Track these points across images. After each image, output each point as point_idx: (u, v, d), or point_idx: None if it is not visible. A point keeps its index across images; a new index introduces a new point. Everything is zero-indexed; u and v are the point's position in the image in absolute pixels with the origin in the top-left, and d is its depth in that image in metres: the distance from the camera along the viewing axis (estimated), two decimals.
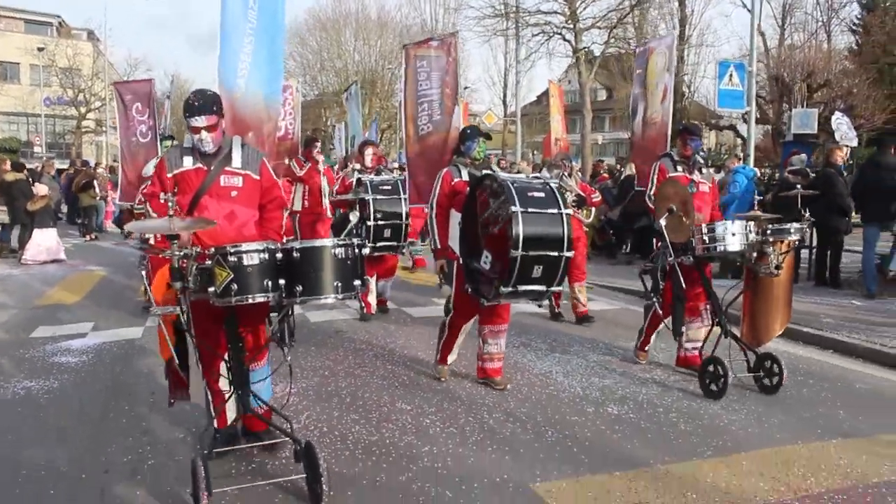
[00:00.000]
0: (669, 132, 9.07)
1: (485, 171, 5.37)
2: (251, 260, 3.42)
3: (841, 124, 18.33)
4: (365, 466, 4.03)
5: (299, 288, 3.44)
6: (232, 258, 3.40)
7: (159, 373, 5.82)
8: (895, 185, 9.11)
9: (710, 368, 5.38)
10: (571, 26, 22.70)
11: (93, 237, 17.00)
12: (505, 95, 35.15)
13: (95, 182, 17.54)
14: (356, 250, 3.62)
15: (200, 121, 3.97)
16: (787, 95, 30.20)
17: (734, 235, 5.42)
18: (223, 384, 4.06)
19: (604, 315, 8.24)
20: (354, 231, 7.36)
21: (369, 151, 8.58)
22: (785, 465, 4.09)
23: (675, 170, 5.99)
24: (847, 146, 17.05)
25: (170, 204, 3.57)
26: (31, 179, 13.70)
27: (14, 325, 7.74)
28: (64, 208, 20.27)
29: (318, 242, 3.62)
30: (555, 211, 4.81)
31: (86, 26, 46.03)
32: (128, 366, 6.19)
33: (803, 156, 11.82)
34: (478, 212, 5.19)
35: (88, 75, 40.44)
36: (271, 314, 4.00)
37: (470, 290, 5.20)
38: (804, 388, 5.60)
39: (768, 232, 5.51)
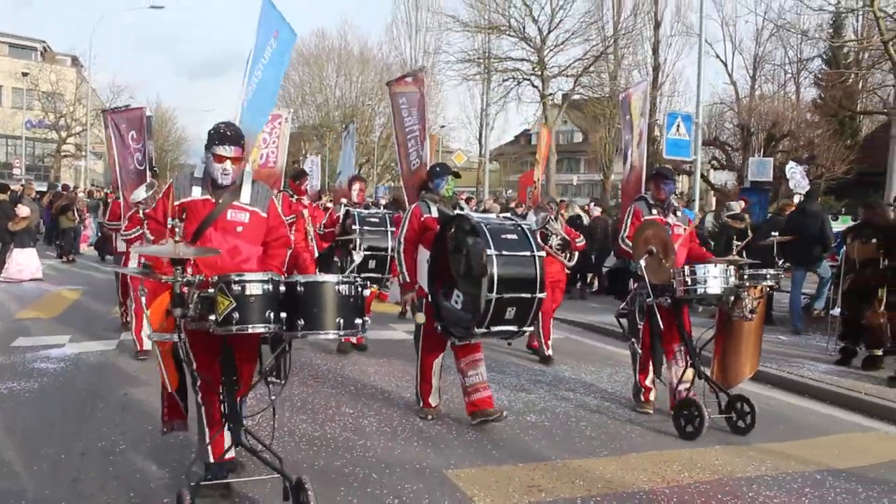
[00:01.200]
0: (644, 176, 9.29)
1: (457, 212, 5.56)
2: (255, 290, 3.43)
3: (795, 173, 19.34)
4: (307, 455, 4.73)
5: (301, 322, 3.44)
6: (236, 287, 3.41)
7: (132, 379, 6.55)
8: (818, 232, 10.04)
9: (686, 411, 5.49)
10: (539, 73, 23.83)
11: (70, 259, 17.58)
12: (481, 135, 36.27)
13: (74, 206, 18.15)
14: (359, 289, 3.62)
15: (229, 151, 3.95)
16: (753, 144, 31.55)
17: (715, 279, 5.50)
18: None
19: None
20: (356, 269, 7.59)
21: (356, 187, 8.76)
22: (666, 463, 4.84)
23: (651, 213, 6.12)
24: (800, 195, 18.13)
25: (176, 230, 3.58)
26: (13, 201, 14.30)
27: None
28: (42, 229, 20.80)
29: (321, 278, 3.62)
30: (528, 253, 4.91)
31: (70, 52, 46.86)
32: (102, 372, 6.85)
33: (740, 202, 12.76)
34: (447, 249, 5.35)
35: (71, 100, 41.10)
36: (269, 348, 3.92)
37: (439, 328, 5.31)
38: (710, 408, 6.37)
39: (745, 277, 5.64)
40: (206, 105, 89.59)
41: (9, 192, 14.43)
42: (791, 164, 21.27)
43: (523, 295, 4.83)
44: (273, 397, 3.81)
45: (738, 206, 11.91)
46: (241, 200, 4.06)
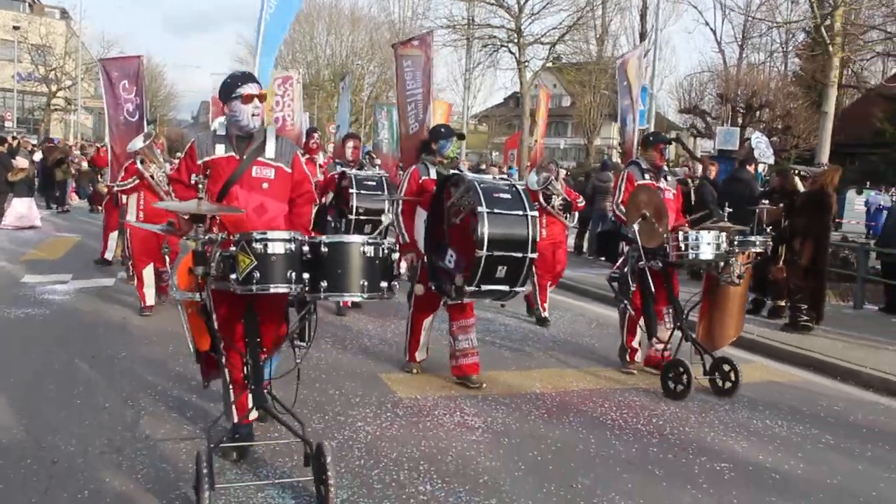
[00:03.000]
0: (636, 140, 9.65)
1: (452, 171, 5.55)
2: (276, 249, 3.38)
3: (760, 143, 20.40)
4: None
5: (324, 283, 3.39)
6: (257, 245, 3.36)
7: (130, 305, 7.75)
8: (749, 195, 11.25)
9: (673, 372, 5.75)
10: (516, 41, 24.83)
11: (65, 209, 18.68)
12: (465, 98, 37.20)
13: (69, 158, 19.20)
14: (386, 251, 3.57)
15: (254, 88, 3.93)
16: (731, 113, 32.62)
17: (708, 245, 5.65)
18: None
19: None
20: (385, 232, 7.47)
21: (350, 144, 8.68)
22: (560, 377, 6.11)
23: (643, 178, 6.27)
24: (764, 163, 19.28)
25: (199, 186, 3.60)
26: (10, 153, 15.37)
27: (5, 275, 9.50)
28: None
29: (347, 238, 3.54)
30: (520, 212, 4.93)
31: (59, 4, 47.27)
32: (103, 301, 8.08)
33: (685, 168, 13.92)
34: (444, 208, 5.38)
35: (60, 54, 41.69)
36: (295, 310, 3.87)
37: (433, 287, 5.42)
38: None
39: (735, 243, 5.80)
40: (195, 61, 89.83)
41: (6, 145, 15.47)
42: (756, 133, 22.43)
43: (514, 254, 4.85)
44: (298, 360, 3.80)
45: (681, 172, 13.07)
46: (266, 156, 4.00)
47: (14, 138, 21.96)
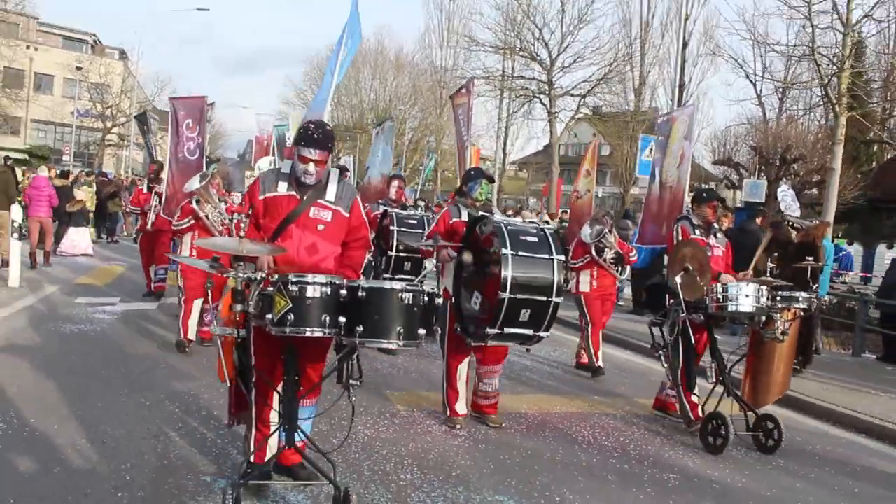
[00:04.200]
0: (686, 196, 9.38)
1: (481, 214, 5.64)
2: (312, 292, 3.42)
3: (786, 196, 20.93)
4: None
5: (360, 328, 3.41)
6: (293, 288, 3.41)
7: (168, 326, 8.68)
8: (755, 246, 11.89)
9: (712, 424, 5.75)
10: (548, 92, 25.90)
11: (114, 240, 20.01)
12: (504, 145, 38.30)
13: (121, 193, 20.56)
14: (426, 299, 3.59)
15: (313, 154, 3.99)
16: (765, 166, 33.05)
17: (747, 297, 5.70)
18: (273, 416, 4.05)
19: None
20: (426, 275, 7.36)
21: (395, 184, 8.92)
22: (548, 401, 6.87)
23: (694, 233, 6.36)
24: (791, 216, 19.79)
25: (242, 224, 3.98)
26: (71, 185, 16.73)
27: (61, 295, 10.58)
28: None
29: (386, 285, 3.56)
30: (546, 256, 4.96)
31: (119, 45, 49.99)
32: (145, 322, 9.06)
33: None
34: (476, 249, 5.48)
35: (117, 92, 44.02)
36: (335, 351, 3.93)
37: (458, 329, 5.48)
38: (623, 384, 8.32)
39: (777, 298, 5.84)
40: (242, 101, 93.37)
41: (70, 178, 16.84)
42: (783, 187, 22.97)
43: (538, 298, 4.86)
44: (353, 398, 3.80)
45: None
46: (326, 199, 4.11)
47: (88, 174, 23.51)
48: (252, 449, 4.10)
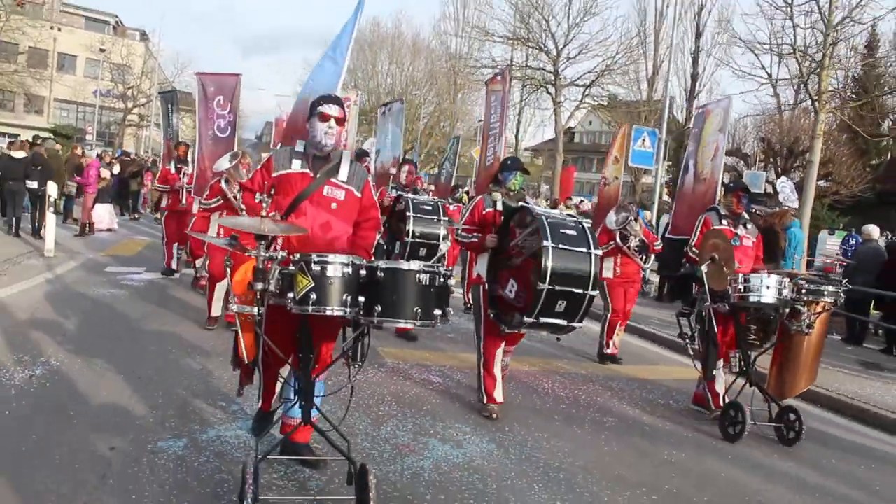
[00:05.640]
0: (719, 187, 9.63)
1: (520, 204, 5.78)
2: (335, 272, 3.49)
3: (784, 187, 21.88)
4: None
5: (378, 308, 3.49)
6: (315, 267, 3.48)
7: (189, 294, 9.78)
8: None
9: (731, 413, 5.95)
10: (554, 82, 26.82)
11: (136, 216, 21.25)
12: (517, 132, 39.15)
13: (143, 171, 21.81)
14: (442, 279, 3.66)
15: (334, 109, 4.16)
16: (774, 157, 33.76)
17: (769, 289, 5.81)
18: (278, 387, 4.39)
19: None
20: (440, 258, 7.40)
21: (406, 169, 8.98)
22: (519, 362, 7.89)
23: (720, 223, 6.52)
24: (789, 207, 20.64)
25: (264, 205, 3.80)
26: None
27: (91, 265, 11.74)
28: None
29: (404, 265, 3.63)
30: (584, 250, 5.08)
31: (140, 26, 51.37)
32: (168, 289, 10.20)
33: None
34: (513, 238, 5.59)
35: (138, 73, 45.35)
36: (347, 331, 4.04)
37: (492, 315, 5.66)
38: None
39: (803, 291, 5.94)
40: (261, 84, 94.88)
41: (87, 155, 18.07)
42: (783, 178, 23.79)
43: (575, 290, 5.01)
44: (354, 377, 3.88)
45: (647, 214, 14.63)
46: (339, 178, 4.22)
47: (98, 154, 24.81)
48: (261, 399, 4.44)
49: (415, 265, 3.61)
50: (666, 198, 20.70)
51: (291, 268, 3.57)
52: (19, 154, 14.93)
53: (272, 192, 4.21)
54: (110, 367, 6.04)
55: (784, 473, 5.36)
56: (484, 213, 5.90)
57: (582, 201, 22.75)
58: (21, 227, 14.01)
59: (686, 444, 5.78)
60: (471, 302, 6.38)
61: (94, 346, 6.67)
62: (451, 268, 3.95)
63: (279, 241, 4.07)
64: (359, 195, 4.30)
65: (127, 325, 7.68)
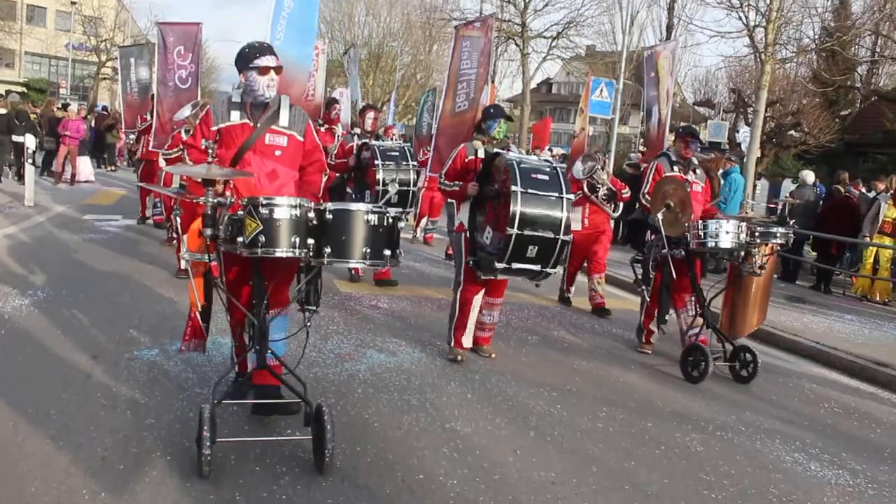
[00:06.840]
0: (667, 132, 9.88)
1: (495, 150, 5.76)
2: (282, 214, 3.52)
3: (747, 137, 22.82)
4: None
5: (328, 249, 3.53)
6: (263, 210, 3.50)
7: (163, 237, 10.59)
8: None
9: (692, 357, 6.13)
10: (521, 34, 27.44)
11: (113, 168, 21.91)
12: (492, 81, 39.52)
13: (118, 125, 22.37)
14: (390, 220, 3.70)
15: (272, 60, 4.14)
16: (744, 108, 34.56)
17: (727, 234, 5.90)
18: (246, 337, 4.31)
19: None
20: (390, 201, 7.21)
21: (370, 115, 8.74)
22: None
23: (672, 169, 6.58)
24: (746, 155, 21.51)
25: (209, 151, 3.77)
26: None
27: (71, 213, 12.52)
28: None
29: (351, 206, 3.68)
30: (556, 195, 5.09)
31: None
32: (145, 234, 11.03)
33: (637, 154, 16.36)
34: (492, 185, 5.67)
35: (110, 26, 45.23)
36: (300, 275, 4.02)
37: (471, 263, 5.72)
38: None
39: (755, 234, 6.03)
40: (236, 36, 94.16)
41: (69, 110, 18.64)
42: (745, 128, 24.67)
43: (546, 234, 5.04)
44: (308, 323, 4.00)
45: (636, 157, 15.54)
46: (280, 124, 4.23)
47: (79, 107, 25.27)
48: (235, 362, 4.43)
49: (362, 206, 3.70)
50: (642, 148, 21.63)
51: (240, 213, 3.61)
52: (1, 110, 15.54)
53: (217, 139, 4.20)
54: (91, 297, 6.89)
55: (674, 377, 6.26)
56: (466, 161, 5.95)
57: (552, 150, 23.51)
58: (5, 179, 14.72)
59: (597, 357, 6.72)
60: (452, 251, 6.55)
61: (76, 280, 7.53)
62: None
63: (229, 190, 4.09)
64: (301, 139, 4.35)
65: (106, 263, 8.52)
